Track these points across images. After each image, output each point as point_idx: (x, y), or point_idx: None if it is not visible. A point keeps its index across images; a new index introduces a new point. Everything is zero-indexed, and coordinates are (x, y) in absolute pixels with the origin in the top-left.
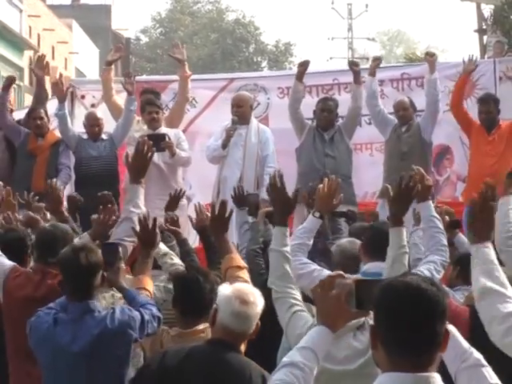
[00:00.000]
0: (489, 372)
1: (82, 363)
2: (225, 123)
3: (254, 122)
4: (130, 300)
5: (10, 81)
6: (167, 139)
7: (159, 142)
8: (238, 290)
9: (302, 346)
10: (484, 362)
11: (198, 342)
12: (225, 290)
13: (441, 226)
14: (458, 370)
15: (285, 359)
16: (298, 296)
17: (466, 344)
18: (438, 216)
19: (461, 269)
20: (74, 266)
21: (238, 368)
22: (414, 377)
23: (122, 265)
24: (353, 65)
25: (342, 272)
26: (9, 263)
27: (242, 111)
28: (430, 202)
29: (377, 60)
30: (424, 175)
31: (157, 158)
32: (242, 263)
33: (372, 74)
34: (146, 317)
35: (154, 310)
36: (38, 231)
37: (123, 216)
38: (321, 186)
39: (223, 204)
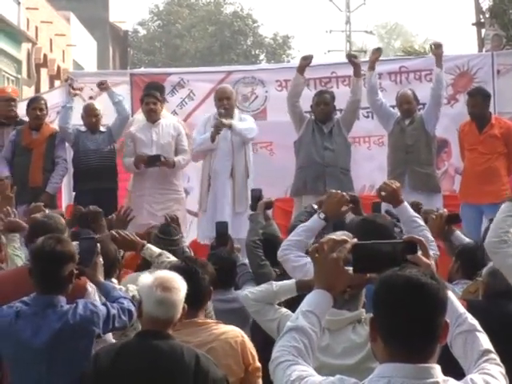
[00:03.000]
0: (483, 337)
1: (42, 358)
2: (206, 116)
3: (236, 113)
4: (106, 294)
5: None
6: (162, 159)
7: (155, 162)
8: (158, 278)
9: (304, 309)
10: (479, 327)
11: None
12: (145, 279)
13: (422, 222)
14: (452, 336)
15: (289, 323)
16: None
17: (461, 309)
18: (416, 214)
19: (461, 263)
20: (39, 254)
21: (169, 352)
22: (415, 368)
23: (100, 259)
24: (352, 57)
25: (346, 238)
26: None
27: (231, 104)
28: (405, 203)
29: (376, 53)
30: (389, 183)
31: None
32: None
33: (371, 67)
34: (113, 311)
35: (127, 303)
36: (30, 222)
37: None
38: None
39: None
